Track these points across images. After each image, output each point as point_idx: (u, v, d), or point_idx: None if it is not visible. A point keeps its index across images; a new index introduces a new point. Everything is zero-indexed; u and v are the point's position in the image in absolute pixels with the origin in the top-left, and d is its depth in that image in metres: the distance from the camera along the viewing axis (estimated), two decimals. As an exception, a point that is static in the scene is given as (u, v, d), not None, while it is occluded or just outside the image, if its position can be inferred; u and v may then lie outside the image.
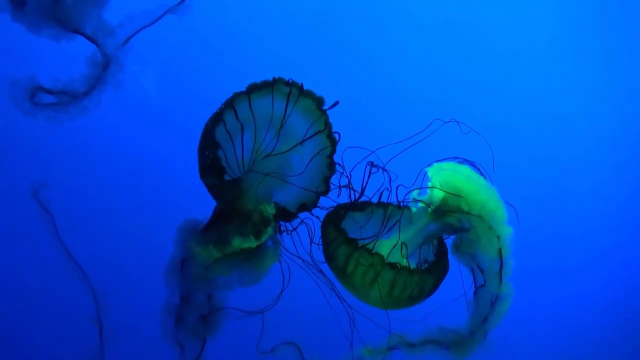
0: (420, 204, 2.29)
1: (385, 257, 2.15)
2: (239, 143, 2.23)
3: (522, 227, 2.26)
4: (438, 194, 2.24)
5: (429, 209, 2.26)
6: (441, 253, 2.32)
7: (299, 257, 2.37)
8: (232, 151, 2.23)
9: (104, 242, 3.27)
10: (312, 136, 2.26)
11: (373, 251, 2.14)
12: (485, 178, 2.26)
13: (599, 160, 4.51)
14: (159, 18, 1.97)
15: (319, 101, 2.22)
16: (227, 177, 2.20)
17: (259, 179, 2.21)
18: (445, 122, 2.27)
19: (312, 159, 2.28)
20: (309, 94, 2.21)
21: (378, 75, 4.11)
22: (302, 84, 2.20)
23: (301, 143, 2.26)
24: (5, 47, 3.03)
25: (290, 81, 2.19)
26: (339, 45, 3.95)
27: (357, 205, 2.35)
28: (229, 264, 2.22)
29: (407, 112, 4.03)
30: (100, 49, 1.92)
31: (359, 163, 2.28)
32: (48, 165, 3.19)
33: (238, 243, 2.14)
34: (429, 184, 2.27)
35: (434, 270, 2.24)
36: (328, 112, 2.24)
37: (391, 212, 2.35)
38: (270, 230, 2.19)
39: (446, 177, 2.22)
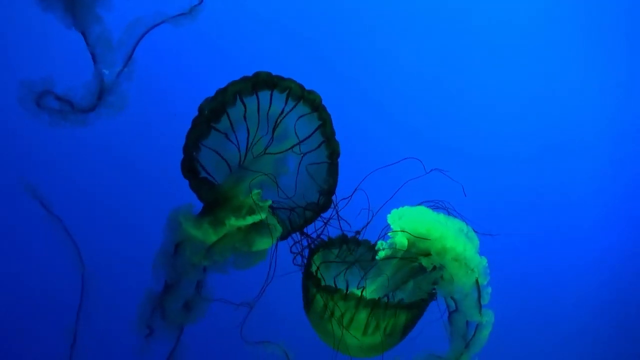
0: (389, 250, 2.28)
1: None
2: (235, 136, 2.23)
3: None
4: (404, 240, 2.23)
5: (398, 254, 2.26)
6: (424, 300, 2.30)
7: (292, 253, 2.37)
8: (227, 143, 2.24)
9: (99, 227, 3.45)
10: (306, 138, 2.26)
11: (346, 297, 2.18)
12: (452, 214, 2.26)
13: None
14: (154, 26, 2.03)
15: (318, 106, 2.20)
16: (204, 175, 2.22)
17: (252, 175, 2.23)
18: (427, 172, 2.28)
19: (299, 164, 2.29)
20: (309, 98, 2.18)
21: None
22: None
23: (297, 145, 2.26)
24: (29, 46, 3.23)
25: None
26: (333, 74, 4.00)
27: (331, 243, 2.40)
28: (224, 247, 2.24)
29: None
30: (96, 67, 2.00)
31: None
32: (44, 162, 3.39)
33: (233, 222, 2.17)
34: (393, 230, 2.26)
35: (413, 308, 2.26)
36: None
37: (361, 256, 2.38)
38: (265, 207, 2.20)
39: (409, 223, 2.22)
